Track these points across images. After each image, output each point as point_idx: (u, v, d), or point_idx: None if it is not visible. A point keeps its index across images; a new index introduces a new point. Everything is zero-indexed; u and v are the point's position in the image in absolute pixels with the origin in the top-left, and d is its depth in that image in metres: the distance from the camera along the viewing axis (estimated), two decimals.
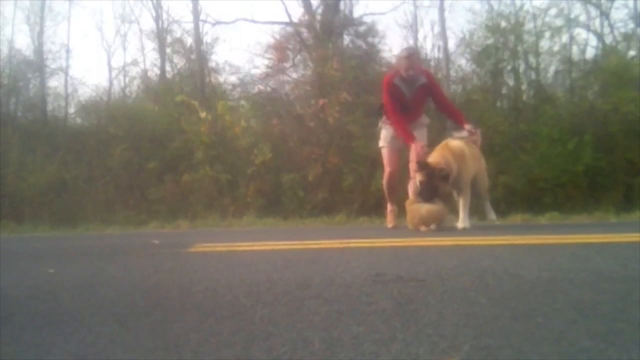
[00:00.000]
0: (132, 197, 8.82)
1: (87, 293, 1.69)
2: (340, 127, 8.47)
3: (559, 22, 10.48)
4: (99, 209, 8.34)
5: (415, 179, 4.14)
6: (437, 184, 3.97)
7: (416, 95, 4.39)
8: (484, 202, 4.81)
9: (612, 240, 2.94)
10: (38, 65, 11.48)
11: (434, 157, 4.09)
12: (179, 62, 12.60)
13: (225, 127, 8.85)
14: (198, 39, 11.60)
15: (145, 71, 12.99)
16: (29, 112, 11.14)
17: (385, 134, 4.57)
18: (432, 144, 4.44)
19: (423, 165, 3.99)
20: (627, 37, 10.32)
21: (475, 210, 4.93)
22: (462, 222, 4.12)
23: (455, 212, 4.35)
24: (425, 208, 3.94)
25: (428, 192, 3.98)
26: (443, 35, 10.47)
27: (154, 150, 9.16)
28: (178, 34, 12.59)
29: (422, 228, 3.87)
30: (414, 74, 4.31)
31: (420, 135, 4.47)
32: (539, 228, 4.64)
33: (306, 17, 12.03)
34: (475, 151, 4.44)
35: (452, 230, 3.93)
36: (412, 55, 4.42)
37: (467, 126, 4.36)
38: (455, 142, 4.26)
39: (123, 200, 8.68)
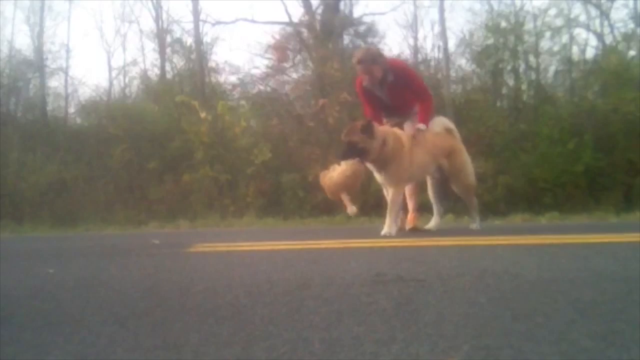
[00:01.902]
0: (132, 197, 8.82)
1: (87, 293, 1.69)
2: (340, 127, 8.46)
3: (559, 22, 10.50)
4: (99, 209, 8.35)
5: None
6: (355, 140, 3.56)
7: (390, 93, 3.98)
8: (469, 208, 4.35)
9: (612, 240, 2.94)
10: (38, 65, 11.49)
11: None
12: (179, 62, 12.62)
13: (225, 127, 8.86)
14: (198, 39, 11.60)
15: (145, 71, 13.02)
16: (29, 112, 11.15)
17: None
18: None
19: (349, 126, 3.70)
20: (627, 37, 10.33)
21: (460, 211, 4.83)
22: (386, 227, 3.62)
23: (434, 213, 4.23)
24: (336, 171, 3.57)
25: (345, 150, 3.60)
26: (443, 35, 10.48)
27: (154, 150, 9.16)
28: (178, 34, 12.61)
29: (342, 196, 3.48)
30: (373, 78, 3.89)
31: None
32: (539, 228, 4.64)
33: (306, 17, 12.04)
34: (435, 150, 3.95)
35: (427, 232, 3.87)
36: (363, 62, 3.88)
37: (420, 125, 3.89)
38: (397, 130, 3.86)
39: (123, 200, 8.69)
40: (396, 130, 3.86)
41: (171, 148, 9.06)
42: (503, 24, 10.33)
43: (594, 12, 11.15)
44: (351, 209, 3.69)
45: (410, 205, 4.15)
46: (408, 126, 4.03)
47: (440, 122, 4.20)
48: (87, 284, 1.86)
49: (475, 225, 4.23)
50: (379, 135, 3.60)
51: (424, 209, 4.54)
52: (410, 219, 4.11)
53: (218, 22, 12.43)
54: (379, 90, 3.98)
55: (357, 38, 12.27)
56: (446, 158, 4.04)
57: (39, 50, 11.69)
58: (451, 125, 4.26)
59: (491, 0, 11.54)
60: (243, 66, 12.33)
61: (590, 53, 10.91)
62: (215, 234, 5.07)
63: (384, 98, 4.01)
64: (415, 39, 11.95)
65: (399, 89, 3.95)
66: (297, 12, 13.23)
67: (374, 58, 3.90)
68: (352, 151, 3.59)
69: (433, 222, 4.25)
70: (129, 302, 1.53)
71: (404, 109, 4.06)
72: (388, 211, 3.69)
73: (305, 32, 11.91)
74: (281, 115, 9.83)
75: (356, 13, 12.52)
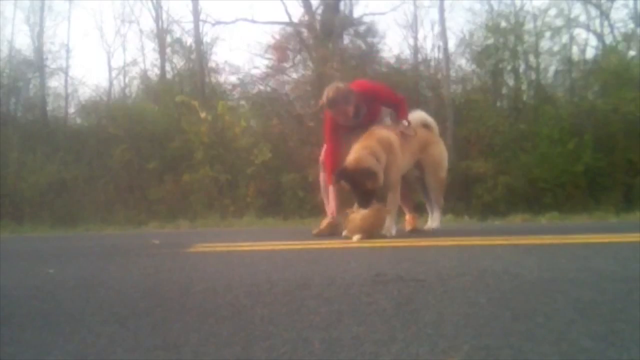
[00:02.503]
0: (132, 197, 8.83)
1: (87, 293, 1.69)
2: None
3: (559, 22, 10.51)
4: (99, 209, 8.36)
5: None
6: (365, 185, 3.42)
7: (365, 119, 3.82)
8: (434, 204, 4.09)
9: (612, 240, 2.94)
10: (38, 65, 11.49)
11: (355, 153, 3.47)
12: (179, 62, 12.62)
13: (225, 127, 8.87)
14: (198, 39, 11.61)
15: (145, 71, 13.03)
16: (29, 112, 11.16)
17: None
18: None
19: (341, 173, 3.50)
20: (627, 37, 10.35)
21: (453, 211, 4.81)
22: (387, 229, 3.51)
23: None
24: (359, 216, 3.38)
25: (361, 198, 3.44)
26: (443, 35, 10.48)
27: (154, 150, 9.17)
28: (178, 34, 12.62)
29: (355, 237, 3.30)
30: (347, 117, 3.72)
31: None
32: (539, 228, 4.64)
33: (306, 17, 12.05)
34: (413, 145, 3.84)
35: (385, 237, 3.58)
36: (335, 104, 3.68)
37: (403, 122, 3.77)
38: (382, 130, 3.68)
39: (123, 200, 8.69)
40: (382, 135, 3.62)
41: (171, 148, 9.07)
42: (503, 24, 10.34)
43: (594, 12, 11.17)
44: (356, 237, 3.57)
45: (407, 207, 4.08)
46: (389, 124, 3.94)
47: (417, 117, 4.07)
48: (87, 284, 1.87)
49: (435, 224, 4.01)
50: (379, 169, 3.48)
51: (423, 209, 4.52)
52: (409, 221, 4.06)
53: (218, 22, 12.46)
54: (353, 122, 3.79)
55: (357, 38, 12.27)
56: (423, 152, 3.95)
57: (39, 50, 11.69)
58: (428, 119, 4.14)
59: (491, 0, 11.56)
60: (243, 66, 12.35)
61: (590, 53, 10.93)
62: (215, 234, 5.07)
63: (359, 124, 3.82)
64: (415, 39, 11.97)
65: (372, 115, 3.85)
66: (297, 12, 13.25)
67: (346, 98, 3.67)
68: (369, 197, 3.45)
69: (435, 221, 4.07)
70: (129, 302, 1.53)
71: (375, 120, 3.89)
72: (388, 213, 3.55)
73: (305, 32, 11.92)
74: (281, 115, 9.84)
75: (356, 13, 12.55)
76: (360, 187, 3.43)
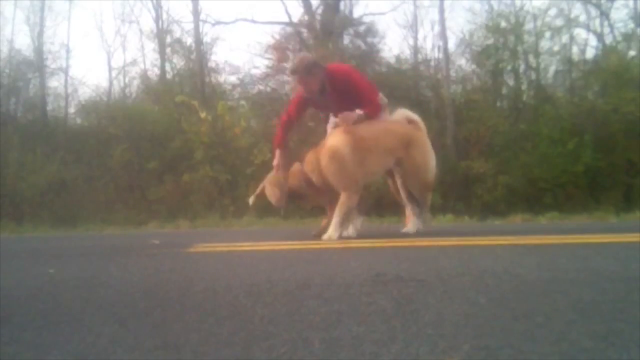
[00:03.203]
0: (132, 197, 8.84)
1: (87, 293, 1.69)
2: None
3: (559, 22, 10.52)
4: (99, 209, 8.36)
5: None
6: (297, 197, 3.79)
7: (333, 100, 3.74)
8: (419, 207, 3.84)
9: (612, 240, 2.94)
10: (38, 65, 11.50)
11: (292, 167, 3.76)
12: (179, 62, 12.63)
13: (225, 127, 8.87)
14: (198, 39, 11.62)
15: (145, 71, 13.04)
16: (29, 112, 11.17)
17: None
18: None
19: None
20: (627, 37, 10.35)
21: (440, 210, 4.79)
22: (330, 230, 3.44)
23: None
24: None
25: (304, 200, 3.93)
26: (443, 35, 10.49)
27: (154, 150, 9.18)
28: (178, 34, 12.63)
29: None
30: (309, 90, 3.68)
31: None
32: (539, 228, 4.64)
33: (306, 17, 12.05)
34: (390, 143, 3.60)
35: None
36: (296, 72, 3.67)
37: (357, 111, 3.61)
38: (330, 139, 3.57)
39: (123, 200, 8.70)
40: (329, 144, 3.54)
41: (171, 148, 9.07)
42: (503, 24, 10.35)
43: (594, 12, 11.18)
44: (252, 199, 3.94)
45: (408, 209, 3.96)
46: (332, 125, 3.87)
47: (402, 113, 3.85)
48: (87, 284, 1.86)
49: (418, 227, 3.76)
50: (301, 186, 3.67)
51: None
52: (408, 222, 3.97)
53: (218, 22, 12.47)
54: (319, 99, 3.76)
55: (357, 38, 12.27)
56: (403, 150, 3.63)
57: (39, 50, 11.70)
58: (414, 117, 3.84)
59: (491, 0, 11.59)
60: (243, 66, 12.36)
61: (590, 53, 10.94)
62: (215, 234, 5.07)
63: (329, 105, 3.82)
64: (415, 39, 11.99)
65: (343, 96, 3.68)
66: (297, 12, 13.25)
67: (308, 69, 3.62)
68: (306, 199, 3.86)
69: (410, 225, 3.84)
70: (129, 302, 1.53)
71: (346, 108, 3.69)
72: (335, 214, 3.45)
73: (305, 32, 11.92)
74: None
75: (356, 13, 12.55)
76: (296, 196, 3.79)
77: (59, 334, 1.18)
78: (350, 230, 3.67)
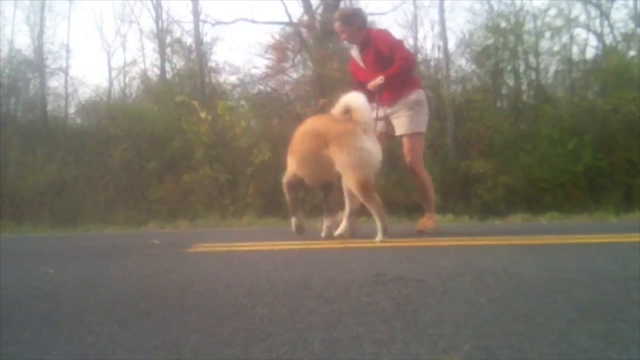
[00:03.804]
0: (132, 197, 8.83)
1: (87, 293, 1.69)
2: None
3: (559, 22, 10.51)
4: (99, 209, 8.35)
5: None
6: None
7: (364, 61, 3.78)
8: (378, 217, 3.23)
9: (612, 240, 2.94)
10: (38, 65, 11.49)
11: None
12: (179, 62, 12.63)
13: (225, 127, 8.86)
14: (198, 39, 11.61)
15: (145, 71, 13.03)
16: (29, 112, 11.16)
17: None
18: None
19: None
20: (627, 37, 10.35)
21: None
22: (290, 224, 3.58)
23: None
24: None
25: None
26: (443, 35, 10.49)
27: (154, 150, 9.17)
28: (178, 34, 12.62)
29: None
30: (350, 39, 3.83)
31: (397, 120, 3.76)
32: (539, 228, 4.64)
33: (306, 17, 12.04)
34: (320, 135, 3.18)
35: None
36: (336, 20, 3.81)
37: (379, 78, 3.52)
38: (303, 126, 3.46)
39: (123, 200, 8.69)
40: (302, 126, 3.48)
41: (171, 148, 9.07)
42: (503, 24, 10.35)
43: (594, 12, 11.17)
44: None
45: (345, 210, 3.86)
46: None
47: (342, 102, 3.11)
48: (87, 284, 1.86)
49: (379, 236, 3.12)
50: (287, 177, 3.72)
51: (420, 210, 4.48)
52: (423, 221, 3.89)
53: (218, 22, 12.46)
54: (357, 56, 3.80)
55: None
56: (327, 148, 3.13)
57: (39, 50, 11.68)
58: (353, 105, 3.06)
59: (491, 0, 11.55)
60: (243, 66, 12.34)
61: (590, 53, 10.93)
62: (215, 234, 5.07)
63: (362, 69, 3.78)
64: (415, 39, 11.96)
65: (373, 59, 3.64)
66: (297, 12, 13.23)
67: (346, 18, 3.76)
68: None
69: (342, 227, 3.69)
70: (129, 302, 1.53)
71: (378, 74, 3.55)
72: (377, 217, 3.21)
73: (305, 32, 11.91)
74: (281, 115, 9.84)
75: None
76: None
77: (59, 334, 1.18)
78: (324, 233, 3.70)
